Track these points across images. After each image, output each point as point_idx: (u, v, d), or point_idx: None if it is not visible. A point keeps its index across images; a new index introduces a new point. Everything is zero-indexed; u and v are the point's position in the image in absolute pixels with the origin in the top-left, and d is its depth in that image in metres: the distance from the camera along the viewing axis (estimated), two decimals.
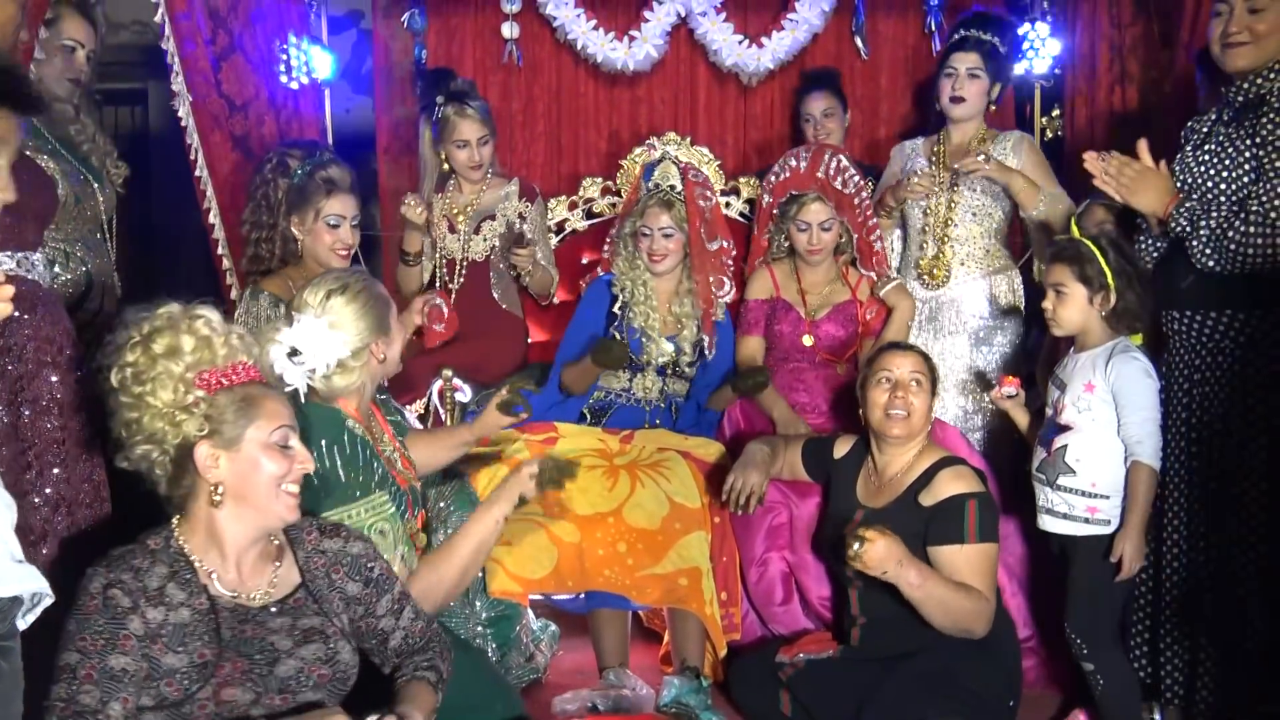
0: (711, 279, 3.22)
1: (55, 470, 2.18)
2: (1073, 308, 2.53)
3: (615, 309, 3.21)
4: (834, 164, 3.23)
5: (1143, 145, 2.52)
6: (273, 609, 1.77)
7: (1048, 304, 2.57)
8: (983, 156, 3.21)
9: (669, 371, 3.19)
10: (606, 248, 3.39)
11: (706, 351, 3.21)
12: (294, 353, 2.07)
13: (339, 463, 2.10)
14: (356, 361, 2.17)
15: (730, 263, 3.31)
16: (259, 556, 1.80)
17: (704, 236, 3.21)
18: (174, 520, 1.78)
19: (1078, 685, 2.68)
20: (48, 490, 2.15)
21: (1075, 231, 2.57)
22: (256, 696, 1.70)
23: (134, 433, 1.75)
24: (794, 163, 3.29)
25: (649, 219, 3.16)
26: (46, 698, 1.59)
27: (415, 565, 2.18)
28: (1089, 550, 2.50)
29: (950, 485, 2.50)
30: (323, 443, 2.09)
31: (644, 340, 3.15)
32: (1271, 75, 2.41)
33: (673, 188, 3.19)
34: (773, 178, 3.34)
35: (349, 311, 2.16)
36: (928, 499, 2.51)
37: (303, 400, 2.08)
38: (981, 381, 3.29)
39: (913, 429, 2.59)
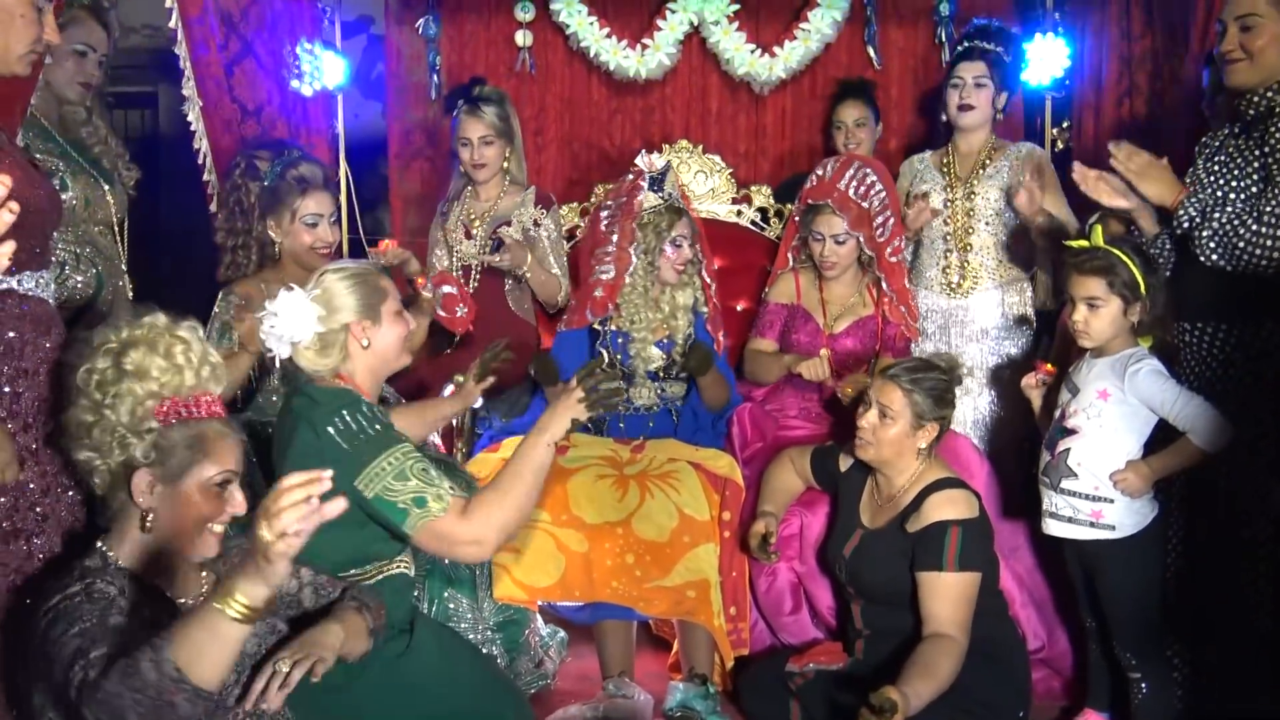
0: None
1: (70, 494, 2.11)
2: (1106, 320, 2.45)
3: (597, 325, 3.14)
4: (858, 177, 3.17)
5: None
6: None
7: (1078, 317, 2.47)
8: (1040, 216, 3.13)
9: (661, 375, 3.14)
10: (602, 284, 3.07)
11: (710, 330, 3.17)
12: (274, 319, 2.05)
13: (364, 423, 2.04)
14: (335, 339, 2.12)
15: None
16: (188, 566, 1.80)
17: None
18: (100, 543, 1.75)
19: (1088, 692, 2.70)
20: (63, 514, 2.09)
21: (1099, 238, 2.48)
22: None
23: (82, 436, 1.74)
24: (820, 171, 3.26)
25: (677, 231, 3.08)
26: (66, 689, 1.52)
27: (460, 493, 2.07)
28: (1113, 558, 2.48)
29: (937, 511, 2.46)
30: (343, 412, 2.04)
31: (633, 349, 3.10)
32: None
33: (674, 195, 3.12)
34: (806, 185, 3.31)
35: (336, 288, 2.13)
36: (914, 525, 2.48)
37: (281, 366, 2.08)
38: (996, 379, 3.30)
39: (880, 456, 2.56)
